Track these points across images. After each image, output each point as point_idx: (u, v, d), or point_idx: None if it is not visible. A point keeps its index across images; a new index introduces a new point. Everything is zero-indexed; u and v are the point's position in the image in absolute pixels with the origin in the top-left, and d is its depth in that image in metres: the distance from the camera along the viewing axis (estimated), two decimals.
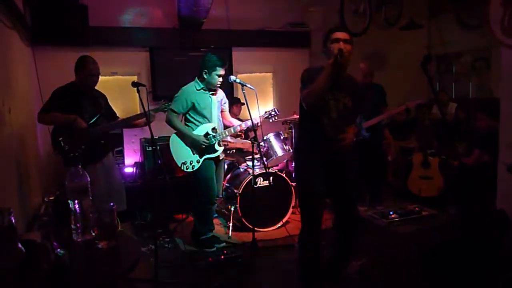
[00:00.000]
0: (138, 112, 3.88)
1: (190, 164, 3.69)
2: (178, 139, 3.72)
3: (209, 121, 3.74)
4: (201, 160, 3.70)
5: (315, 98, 2.48)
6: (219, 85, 3.72)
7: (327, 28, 2.71)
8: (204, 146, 3.66)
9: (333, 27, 2.67)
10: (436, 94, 5.92)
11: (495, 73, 5.72)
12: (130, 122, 3.57)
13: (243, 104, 3.66)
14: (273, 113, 3.94)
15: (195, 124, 3.73)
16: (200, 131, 3.72)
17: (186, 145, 3.70)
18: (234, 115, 4.97)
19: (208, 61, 3.62)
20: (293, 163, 3.02)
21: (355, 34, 5.54)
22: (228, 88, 5.33)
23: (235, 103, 4.94)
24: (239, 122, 3.91)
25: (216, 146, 3.74)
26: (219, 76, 3.64)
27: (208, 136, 3.70)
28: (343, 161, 2.66)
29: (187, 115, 3.75)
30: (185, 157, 3.70)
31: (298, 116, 4.51)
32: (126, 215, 4.28)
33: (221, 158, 3.90)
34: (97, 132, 3.39)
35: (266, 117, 3.94)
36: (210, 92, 3.73)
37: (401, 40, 6.13)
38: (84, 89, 3.44)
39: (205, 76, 3.65)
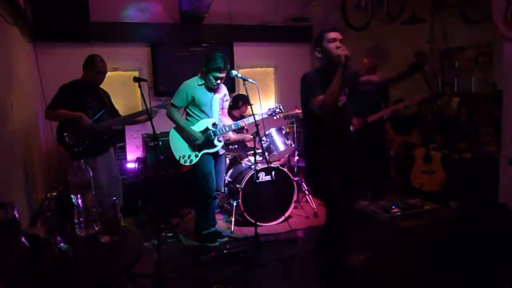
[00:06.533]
0: (140, 107, 3.88)
1: (188, 158, 3.70)
2: (178, 133, 3.74)
3: (209, 117, 3.74)
4: (200, 154, 3.71)
5: (332, 104, 2.50)
6: (215, 86, 3.70)
7: (325, 26, 2.76)
8: (199, 144, 3.66)
9: (326, 28, 2.71)
10: (435, 92, 5.88)
11: (497, 68, 5.69)
12: (133, 119, 3.62)
13: (250, 104, 3.64)
14: (277, 110, 3.90)
15: (195, 118, 3.73)
16: (200, 126, 3.72)
17: (184, 140, 3.71)
18: (241, 112, 4.94)
19: (209, 61, 3.60)
20: (305, 163, 3.06)
21: (357, 28, 5.54)
22: (230, 82, 5.33)
23: (247, 102, 4.84)
24: (233, 122, 3.88)
25: (215, 142, 3.74)
26: (216, 78, 3.61)
27: (208, 132, 3.70)
28: (349, 151, 2.77)
29: (188, 110, 3.75)
30: (183, 150, 3.71)
31: (299, 111, 4.52)
32: (128, 210, 4.31)
33: (221, 153, 3.90)
34: (100, 127, 3.46)
35: (270, 115, 3.90)
36: (211, 90, 3.72)
37: (403, 34, 6.09)
38: (90, 86, 3.51)
39: (203, 75, 3.66)
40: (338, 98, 2.52)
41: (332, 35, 2.60)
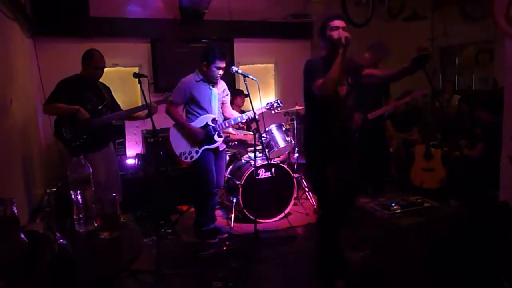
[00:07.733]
0: (140, 103, 3.86)
1: (189, 154, 3.69)
2: (177, 130, 3.73)
3: (209, 113, 3.73)
4: (200, 150, 3.70)
5: (333, 86, 2.48)
6: (218, 77, 3.71)
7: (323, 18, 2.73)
8: (199, 140, 3.65)
9: (329, 15, 2.67)
10: (436, 90, 5.87)
11: (498, 65, 5.68)
12: (132, 114, 3.60)
13: (246, 95, 3.64)
14: (275, 104, 3.91)
15: (195, 115, 3.72)
16: (200, 122, 3.71)
17: (184, 137, 3.70)
18: (238, 106, 4.96)
19: (208, 53, 3.60)
20: (305, 157, 3.03)
21: (357, 25, 5.52)
22: (230, 79, 5.32)
23: (238, 95, 4.92)
24: (239, 115, 3.89)
25: (216, 137, 3.74)
26: (218, 68, 3.62)
27: (208, 128, 3.70)
28: (351, 145, 2.76)
29: (187, 107, 3.75)
30: (184, 147, 3.70)
31: (300, 107, 4.53)
32: (128, 206, 4.31)
33: (221, 149, 3.89)
34: (99, 122, 3.44)
35: (268, 109, 3.91)
36: (210, 84, 3.71)
37: (404, 31, 6.08)
38: (89, 81, 3.48)
39: (204, 68, 3.64)
40: (338, 80, 2.48)
41: (335, 23, 2.58)
